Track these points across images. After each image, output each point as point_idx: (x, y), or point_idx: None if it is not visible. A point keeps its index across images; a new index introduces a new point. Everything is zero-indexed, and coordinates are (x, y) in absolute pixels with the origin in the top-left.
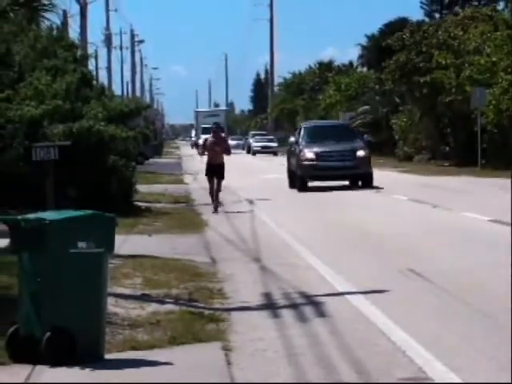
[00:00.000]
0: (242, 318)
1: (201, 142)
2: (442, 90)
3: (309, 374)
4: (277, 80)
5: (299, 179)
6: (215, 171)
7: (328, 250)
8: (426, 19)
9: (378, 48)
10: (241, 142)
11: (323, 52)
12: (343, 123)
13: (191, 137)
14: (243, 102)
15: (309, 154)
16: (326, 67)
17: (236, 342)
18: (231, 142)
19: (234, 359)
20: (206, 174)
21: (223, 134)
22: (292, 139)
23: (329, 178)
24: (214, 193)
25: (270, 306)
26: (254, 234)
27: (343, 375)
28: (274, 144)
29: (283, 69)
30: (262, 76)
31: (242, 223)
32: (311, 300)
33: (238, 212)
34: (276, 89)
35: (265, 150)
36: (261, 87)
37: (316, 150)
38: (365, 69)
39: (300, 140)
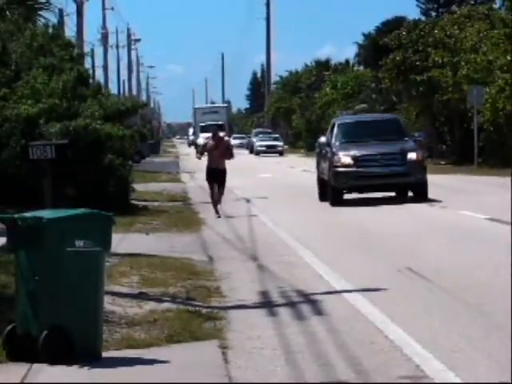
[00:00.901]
0: (240, 317)
1: (200, 140)
2: (439, 88)
3: (306, 372)
4: (273, 78)
5: (333, 190)
6: (216, 177)
7: (326, 249)
8: (423, 18)
9: (375, 46)
10: (244, 142)
11: (320, 50)
12: (390, 117)
13: (188, 135)
14: (240, 101)
15: (345, 158)
16: (322, 66)
17: (233, 340)
18: (234, 142)
19: (231, 357)
20: (207, 179)
21: (223, 134)
22: (322, 139)
23: (371, 188)
24: (216, 200)
25: (267, 304)
26: (251, 232)
27: (340, 373)
28: (280, 143)
29: (280, 67)
30: (259, 74)
31: (240, 222)
32: (309, 298)
33: (236, 216)
34: (273, 87)
35: (270, 150)
36: (257, 86)
37: (354, 152)
38: (361, 67)
39: (333, 140)
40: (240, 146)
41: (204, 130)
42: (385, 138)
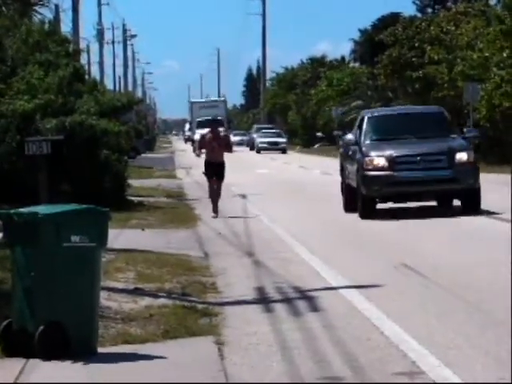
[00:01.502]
0: (235, 313)
1: (196, 137)
2: (435, 85)
3: (302, 368)
4: (269, 75)
5: (363, 200)
6: (214, 171)
7: (322, 245)
8: (419, 14)
9: (371, 43)
10: (245, 138)
11: (316, 47)
12: (432, 109)
13: (184, 131)
14: (235, 97)
15: (378, 159)
16: (318, 62)
17: (229, 336)
18: (234, 139)
19: (227, 353)
20: (205, 174)
21: (222, 129)
22: (349, 137)
23: (411, 197)
24: (215, 196)
25: (263, 300)
26: (247, 228)
27: (336, 370)
28: (283, 139)
29: (276, 64)
30: (255, 71)
31: (236, 218)
32: (305, 294)
33: (232, 212)
34: (268, 83)
35: (272, 147)
36: (253, 82)
37: (390, 152)
38: (357, 64)
39: (362, 138)
40: (240, 143)
41: (201, 125)
42: (427, 134)
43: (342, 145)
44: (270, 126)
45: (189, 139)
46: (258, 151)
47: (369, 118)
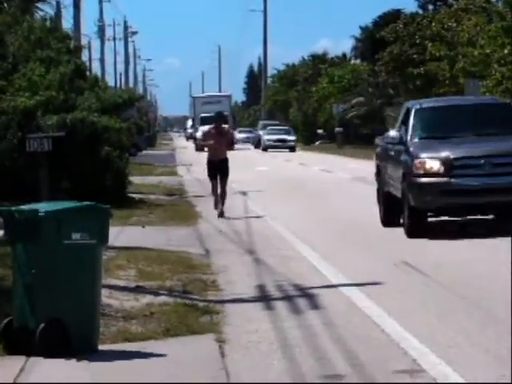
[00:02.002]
0: (236, 310)
1: (199, 134)
2: (436, 81)
3: (303, 366)
4: (270, 72)
5: (411, 212)
6: (218, 168)
7: (322, 243)
8: (420, 11)
9: (372, 40)
10: (251, 136)
11: (317, 44)
12: (495, 100)
13: (186, 128)
14: (236, 94)
15: (432, 162)
16: (319, 59)
17: (230, 334)
18: (240, 136)
19: (227, 351)
20: (209, 174)
21: (227, 126)
22: (392, 134)
23: (473, 209)
24: (219, 195)
25: (264, 298)
26: (247, 226)
27: (337, 368)
28: (292, 137)
29: (277, 60)
30: (256, 68)
31: (236, 216)
32: (305, 292)
33: (233, 210)
34: (269, 80)
35: (280, 145)
36: (254, 79)
37: (446, 154)
38: (358, 61)
39: (409, 135)
40: (246, 140)
41: (204, 122)
42: (490, 131)
43: (379, 143)
44: (276, 122)
45: (191, 137)
46: (265, 149)
47: (417, 110)
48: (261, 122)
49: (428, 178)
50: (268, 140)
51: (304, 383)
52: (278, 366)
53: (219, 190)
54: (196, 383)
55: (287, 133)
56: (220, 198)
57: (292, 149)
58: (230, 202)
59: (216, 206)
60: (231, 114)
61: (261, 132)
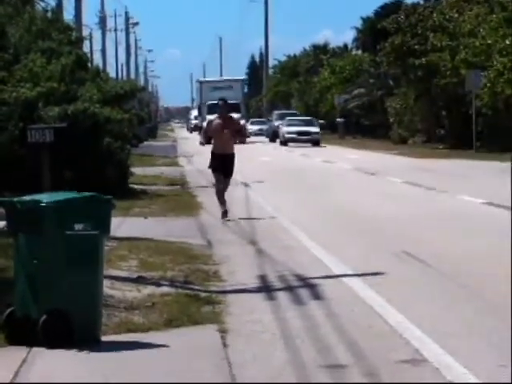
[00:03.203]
0: (238, 301)
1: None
2: (437, 72)
3: (305, 356)
4: (272, 63)
5: None
6: (222, 164)
7: (324, 233)
8: (421, 1)
9: (374, 31)
10: (265, 127)
11: (318, 34)
12: None
13: (190, 119)
14: None
15: None
16: (320, 50)
17: (232, 324)
18: (252, 128)
19: (230, 341)
20: (211, 168)
21: (238, 115)
22: None
23: None
24: (223, 195)
25: (266, 288)
26: (249, 216)
27: (339, 357)
28: (316, 129)
29: (278, 51)
30: (257, 59)
31: (239, 206)
32: (307, 282)
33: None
34: (271, 71)
35: (302, 138)
36: (256, 70)
37: None
38: (360, 51)
39: None
40: (259, 133)
41: (212, 111)
42: None
43: None
44: (294, 111)
45: (196, 128)
46: (285, 143)
47: None
48: (276, 112)
49: None
50: (288, 132)
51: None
52: (280, 356)
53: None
54: (199, 383)
55: (310, 124)
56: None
57: (316, 143)
58: (233, 192)
59: (224, 212)
60: (244, 101)
61: (276, 123)
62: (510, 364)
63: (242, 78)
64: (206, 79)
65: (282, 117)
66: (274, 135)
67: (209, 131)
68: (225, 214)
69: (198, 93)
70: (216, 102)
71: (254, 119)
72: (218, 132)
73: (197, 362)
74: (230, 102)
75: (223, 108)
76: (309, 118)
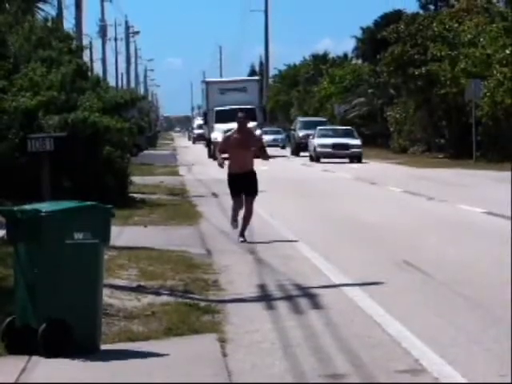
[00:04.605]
0: (238, 310)
1: (215, 135)
2: (437, 82)
3: (305, 366)
4: (272, 72)
5: None
6: (243, 184)
7: (323, 242)
8: (421, 11)
9: (373, 40)
10: (280, 137)
11: (318, 44)
12: None
13: (192, 128)
14: None
15: None
16: (320, 59)
17: (232, 333)
18: (265, 138)
19: (229, 351)
20: (231, 190)
21: (254, 124)
22: None
23: None
24: (242, 219)
25: (265, 297)
26: (249, 226)
27: (339, 367)
28: (356, 141)
29: (278, 61)
30: (257, 68)
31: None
32: (307, 292)
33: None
34: (271, 81)
35: (339, 152)
36: None
37: None
38: (360, 61)
39: None
40: (273, 143)
41: (221, 118)
42: None
43: None
44: (323, 119)
45: (199, 138)
46: (317, 159)
47: None
48: (300, 119)
49: None
50: (321, 145)
51: (305, 383)
52: (279, 366)
53: (242, 210)
54: (198, 383)
55: (348, 134)
56: (243, 220)
57: (357, 158)
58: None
59: (234, 221)
60: (260, 106)
61: (301, 133)
62: (509, 373)
63: (257, 78)
64: (214, 79)
65: (307, 125)
66: (297, 148)
67: (227, 149)
68: (242, 236)
69: (203, 96)
70: (226, 108)
71: (267, 128)
72: (234, 149)
73: (196, 371)
74: (244, 107)
75: (242, 123)
76: (347, 127)
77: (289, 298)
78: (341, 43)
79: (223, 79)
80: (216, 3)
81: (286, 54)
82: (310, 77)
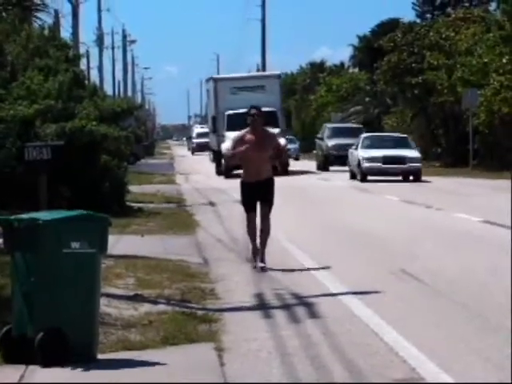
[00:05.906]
0: (235, 319)
1: (226, 146)
2: (434, 90)
3: (302, 374)
4: None
5: None
6: (258, 193)
7: (321, 251)
8: (418, 20)
9: (370, 49)
10: (293, 147)
11: (315, 52)
12: None
13: (191, 137)
14: None
15: None
16: (317, 68)
17: (229, 342)
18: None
19: (226, 360)
20: (244, 203)
21: (277, 130)
22: None
23: None
24: (259, 235)
25: (262, 306)
26: (246, 234)
27: (336, 376)
28: (414, 153)
29: (275, 69)
30: None
31: (235, 224)
32: (304, 301)
33: (230, 218)
34: None
35: (392, 168)
36: None
37: None
38: (356, 69)
39: None
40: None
41: (234, 124)
42: None
43: None
44: (358, 125)
45: (199, 148)
46: (363, 177)
47: None
48: (328, 126)
49: None
50: (369, 159)
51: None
52: (276, 375)
53: (258, 226)
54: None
55: (403, 145)
56: (260, 239)
57: (415, 175)
58: (228, 210)
59: (254, 256)
60: (282, 109)
61: (330, 142)
62: (510, 380)
63: (277, 73)
64: (224, 76)
65: (338, 133)
66: (325, 160)
67: (236, 151)
68: (262, 261)
69: (209, 97)
70: (240, 111)
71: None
72: (249, 154)
73: (193, 380)
74: (264, 109)
75: (257, 119)
76: (400, 134)
77: (286, 306)
78: (338, 51)
79: (235, 75)
80: (213, 12)
81: (283, 63)
82: (307, 85)
